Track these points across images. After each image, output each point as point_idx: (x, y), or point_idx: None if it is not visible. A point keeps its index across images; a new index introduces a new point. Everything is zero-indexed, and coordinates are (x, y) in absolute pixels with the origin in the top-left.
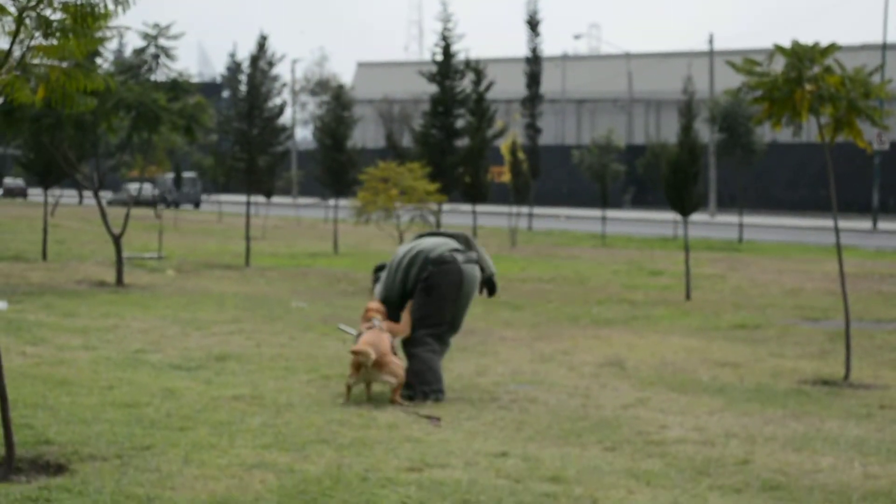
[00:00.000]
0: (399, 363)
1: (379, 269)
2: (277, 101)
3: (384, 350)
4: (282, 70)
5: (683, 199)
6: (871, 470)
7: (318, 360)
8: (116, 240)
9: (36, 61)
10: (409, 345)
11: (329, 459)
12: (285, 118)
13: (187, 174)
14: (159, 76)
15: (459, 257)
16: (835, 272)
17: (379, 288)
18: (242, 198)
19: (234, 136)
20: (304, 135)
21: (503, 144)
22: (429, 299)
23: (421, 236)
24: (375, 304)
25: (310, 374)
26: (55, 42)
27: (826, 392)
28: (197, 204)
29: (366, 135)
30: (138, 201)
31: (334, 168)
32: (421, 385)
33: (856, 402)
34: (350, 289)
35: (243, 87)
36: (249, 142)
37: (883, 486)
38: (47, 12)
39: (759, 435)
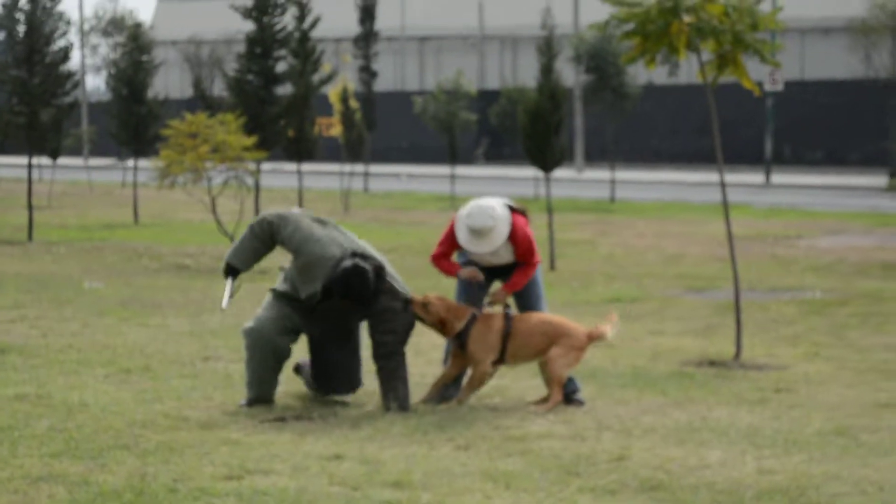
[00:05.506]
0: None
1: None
2: (62, 43)
3: None
4: (68, 6)
5: (545, 152)
6: (765, 464)
7: (116, 350)
8: None
9: None
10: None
11: (131, 468)
12: (73, 64)
13: None
14: None
15: None
16: (722, 234)
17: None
18: (23, 159)
19: (9, 85)
20: (95, 84)
21: (332, 91)
22: None
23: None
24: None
25: (106, 368)
26: None
27: (713, 374)
28: None
29: (169, 83)
30: None
31: (132, 122)
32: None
33: (748, 385)
34: (154, 265)
35: (21, 27)
36: (29, 92)
37: (780, 483)
38: None
39: (636, 427)
